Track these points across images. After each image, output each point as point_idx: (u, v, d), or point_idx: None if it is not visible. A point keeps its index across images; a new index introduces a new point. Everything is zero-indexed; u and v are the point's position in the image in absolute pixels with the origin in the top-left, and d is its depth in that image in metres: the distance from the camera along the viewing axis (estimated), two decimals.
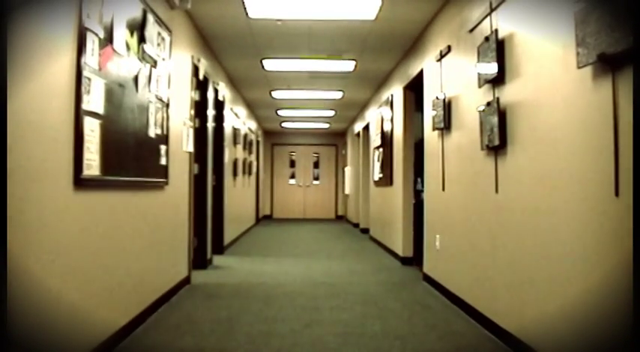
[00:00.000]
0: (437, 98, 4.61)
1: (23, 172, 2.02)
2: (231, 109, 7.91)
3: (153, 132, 3.62)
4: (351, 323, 3.54)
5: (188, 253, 4.88)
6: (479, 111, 3.50)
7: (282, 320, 3.60)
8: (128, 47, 3.10)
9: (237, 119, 8.61)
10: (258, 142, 12.63)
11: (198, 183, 5.65)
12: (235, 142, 8.26)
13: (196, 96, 5.54)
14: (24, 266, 2.02)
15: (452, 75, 4.34)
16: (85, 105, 2.52)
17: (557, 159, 2.53)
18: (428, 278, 4.95)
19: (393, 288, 4.80)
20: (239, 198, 8.93)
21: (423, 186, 5.49)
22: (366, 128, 10.15)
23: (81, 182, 2.49)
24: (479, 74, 3.51)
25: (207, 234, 5.90)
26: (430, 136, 4.99)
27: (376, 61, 6.62)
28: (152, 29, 3.56)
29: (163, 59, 3.87)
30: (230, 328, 3.40)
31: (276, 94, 8.90)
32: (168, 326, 3.44)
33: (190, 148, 4.88)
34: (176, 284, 4.42)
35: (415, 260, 6.16)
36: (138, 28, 3.29)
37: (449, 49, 4.38)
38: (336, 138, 14.89)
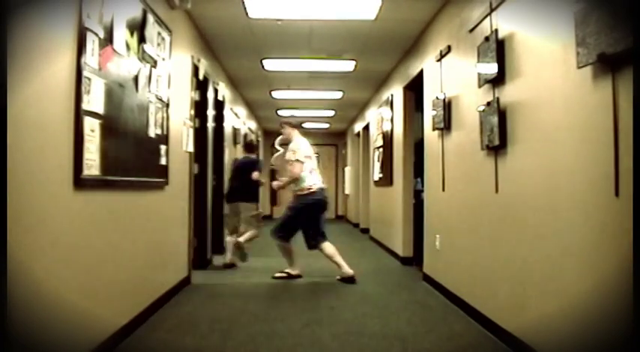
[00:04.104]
0: (437, 98, 4.61)
1: (23, 172, 2.02)
2: (231, 109, 7.91)
3: (153, 132, 3.62)
4: (351, 323, 3.54)
5: (188, 253, 4.88)
6: (479, 111, 3.50)
7: (282, 320, 3.60)
8: (128, 47, 3.10)
9: (237, 119, 8.61)
10: (258, 142, 12.63)
11: (198, 183, 5.65)
12: (235, 142, 8.26)
13: (196, 96, 5.54)
14: (24, 266, 2.02)
15: (452, 75, 4.34)
16: (85, 105, 2.52)
17: (557, 159, 2.53)
18: (428, 278, 4.95)
19: (393, 288, 4.80)
20: None
21: (423, 186, 5.49)
22: (366, 128, 10.14)
23: (81, 182, 2.49)
24: (479, 74, 3.51)
25: (207, 234, 5.90)
26: (430, 136, 4.99)
27: (376, 61, 6.62)
28: (152, 29, 3.56)
29: (163, 59, 3.87)
30: (230, 328, 3.40)
31: (276, 94, 8.90)
32: (168, 326, 3.44)
33: (190, 148, 4.88)
34: (176, 284, 4.42)
35: (415, 260, 6.15)
36: (138, 28, 3.29)
37: (449, 49, 4.38)
38: (336, 138, 14.88)
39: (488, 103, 3.32)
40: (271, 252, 7.41)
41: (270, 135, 14.79)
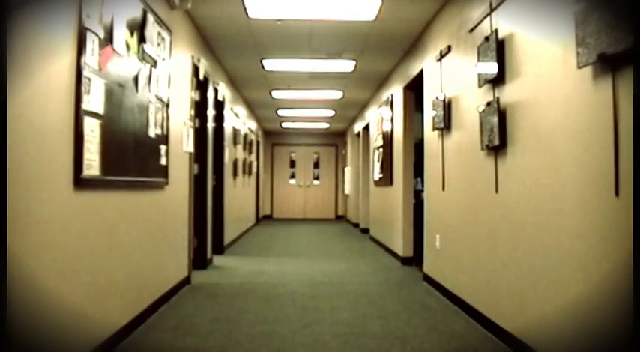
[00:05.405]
0: (437, 98, 4.61)
1: (23, 172, 2.02)
2: (231, 109, 7.91)
3: (153, 132, 3.62)
4: (352, 324, 3.54)
5: (188, 253, 4.88)
6: (479, 111, 3.50)
7: (282, 320, 3.60)
8: (128, 47, 3.10)
9: (237, 119, 8.61)
10: (258, 142, 12.63)
11: (198, 183, 5.65)
12: (235, 142, 8.26)
13: (196, 96, 5.54)
14: (24, 267, 2.02)
15: (452, 75, 4.34)
16: (85, 105, 2.52)
17: (557, 159, 2.53)
18: (428, 278, 4.96)
19: (393, 288, 4.80)
20: (239, 198, 8.93)
21: (423, 186, 5.49)
22: (366, 128, 10.15)
23: (81, 182, 2.49)
24: (479, 74, 3.51)
25: (207, 234, 5.90)
26: (430, 136, 4.99)
27: (376, 61, 6.62)
28: (152, 29, 3.56)
29: (163, 59, 3.87)
30: (230, 328, 3.40)
31: (276, 94, 8.90)
32: (168, 326, 3.44)
33: (190, 148, 4.88)
34: (176, 284, 4.42)
35: (415, 260, 6.16)
36: (138, 28, 3.29)
37: (449, 49, 4.38)
38: (336, 138, 14.89)
39: (488, 103, 3.32)
40: (271, 252, 7.42)
41: (269, 135, 14.80)
